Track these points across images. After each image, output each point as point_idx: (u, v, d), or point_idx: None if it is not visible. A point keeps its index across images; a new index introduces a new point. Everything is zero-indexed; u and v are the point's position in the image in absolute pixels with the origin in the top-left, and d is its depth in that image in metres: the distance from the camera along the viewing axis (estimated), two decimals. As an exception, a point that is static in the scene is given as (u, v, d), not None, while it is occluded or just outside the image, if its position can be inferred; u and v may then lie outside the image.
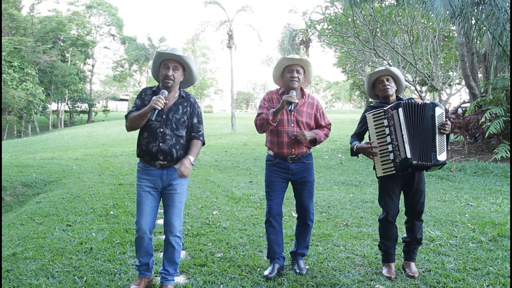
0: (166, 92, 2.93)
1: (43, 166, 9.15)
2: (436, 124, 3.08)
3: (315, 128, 3.39)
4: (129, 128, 3.00)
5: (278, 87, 3.45)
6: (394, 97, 3.34)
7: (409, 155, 3.04)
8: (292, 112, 3.24)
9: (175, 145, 2.96)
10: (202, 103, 77.69)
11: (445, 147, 3.13)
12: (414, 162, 3.03)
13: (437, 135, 3.07)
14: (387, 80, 3.31)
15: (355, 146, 3.29)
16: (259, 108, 3.36)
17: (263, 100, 3.38)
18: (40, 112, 42.04)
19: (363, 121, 3.35)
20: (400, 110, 3.09)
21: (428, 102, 3.14)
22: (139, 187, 3.00)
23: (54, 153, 13.46)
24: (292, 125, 3.26)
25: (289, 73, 3.27)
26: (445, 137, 3.14)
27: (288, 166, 3.28)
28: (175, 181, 2.99)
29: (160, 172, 2.97)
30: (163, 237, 3.14)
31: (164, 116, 2.96)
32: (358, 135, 3.41)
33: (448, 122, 3.11)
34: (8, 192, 7.23)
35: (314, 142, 3.34)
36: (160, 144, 2.93)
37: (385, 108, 3.16)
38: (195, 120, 3.08)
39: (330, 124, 3.47)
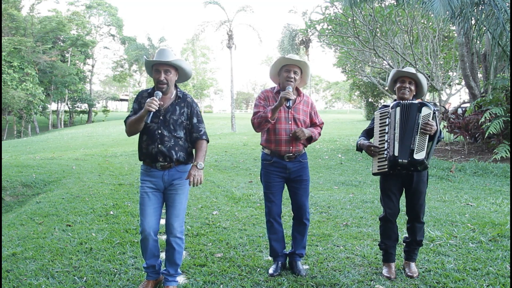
0: (160, 93, 2.91)
1: (43, 166, 9.14)
2: (420, 123, 3.09)
3: (310, 126, 3.42)
4: (129, 133, 3.01)
5: (274, 85, 3.45)
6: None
7: (396, 153, 3.08)
8: (290, 109, 3.25)
9: (174, 146, 2.96)
10: (202, 103, 77.77)
11: (425, 147, 3.09)
12: (399, 160, 3.08)
13: (418, 134, 3.08)
14: (410, 82, 3.29)
15: (359, 142, 3.37)
16: (254, 107, 3.34)
17: (259, 99, 3.36)
18: (40, 112, 42.01)
19: (373, 119, 3.40)
20: (398, 109, 3.15)
21: (416, 102, 3.17)
22: (141, 189, 3.00)
23: (54, 153, 13.46)
24: (290, 122, 3.26)
25: (286, 73, 3.25)
26: (427, 137, 3.10)
27: (285, 165, 3.28)
28: (176, 181, 2.99)
29: (162, 173, 2.98)
30: (165, 237, 3.15)
31: (161, 118, 2.96)
32: (368, 132, 3.45)
33: (433, 124, 3.07)
34: (8, 192, 7.23)
35: (309, 140, 3.37)
36: (159, 146, 2.94)
37: (390, 108, 3.20)
38: (194, 120, 3.05)
39: (323, 123, 3.52)
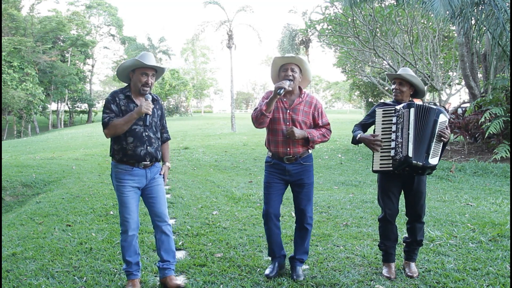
0: (150, 96, 3.05)
1: (43, 166, 9.15)
2: (437, 130, 3.12)
3: (314, 127, 3.32)
4: (112, 134, 2.97)
5: None
6: (405, 101, 3.34)
7: (410, 154, 3.07)
8: (287, 108, 3.23)
9: (158, 147, 3.13)
10: (202, 103, 77.82)
11: (439, 153, 3.17)
12: (413, 162, 3.07)
13: (434, 140, 3.12)
14: (400, 84, 3.31)
15: (358, 135, 3.30)
16: (257, 105, 3.35)
17: (262, 98, 3.35)
18: (40, 112, 42.02)
19: (371, 115, 3.36)
20: (412, 110, 3.13)
21: (434, 107, 3.17)
22: (122, 187, 3.01)
23: (54, 153, 13.45)
24: (288, 123, 3.22)
25: (283, 72, 3.25)
26: (441, 144, 3.18)
27: (285, 167, 3.24)
28: (156, 174, 3.15)
29: (144, 171, 3.06)
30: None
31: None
32: (363, 126, 3.41)
33: (448, 131, 3.16)
34: (8, 192, 7.23)
35: (307, 141, 3.24)
36: (148, 147, 3.04)
37: (397, 107, 3.19)
38: (164, 121, 3.28)
39: (328, 124, 3.37)
